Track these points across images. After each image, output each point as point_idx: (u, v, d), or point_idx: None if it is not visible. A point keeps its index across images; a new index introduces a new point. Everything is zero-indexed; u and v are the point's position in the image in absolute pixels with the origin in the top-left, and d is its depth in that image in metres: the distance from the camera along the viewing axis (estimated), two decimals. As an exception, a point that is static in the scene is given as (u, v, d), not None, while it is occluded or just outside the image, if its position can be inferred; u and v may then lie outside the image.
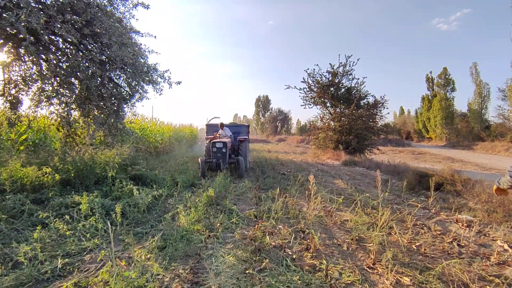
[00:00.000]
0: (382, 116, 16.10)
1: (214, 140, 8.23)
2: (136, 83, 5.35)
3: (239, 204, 5.22)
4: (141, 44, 6.08)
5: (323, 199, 5.55)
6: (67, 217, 3.56)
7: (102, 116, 5.60)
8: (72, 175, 5.52)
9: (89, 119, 5.55)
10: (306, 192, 5.91)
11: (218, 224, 3.92)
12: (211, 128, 10.53)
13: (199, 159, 7.97)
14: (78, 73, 4.45)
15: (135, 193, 4.83)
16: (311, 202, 3.94)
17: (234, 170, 9.15)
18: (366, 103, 16.13)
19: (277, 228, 3.78)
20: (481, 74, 37.44)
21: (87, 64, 4.51)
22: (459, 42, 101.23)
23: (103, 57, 4.80)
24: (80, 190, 5.39)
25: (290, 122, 58.57)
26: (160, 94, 6.57)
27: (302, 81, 16.83)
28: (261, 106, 59.16)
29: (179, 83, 6.56)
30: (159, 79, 6.29)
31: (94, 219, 3.56)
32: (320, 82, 16.37)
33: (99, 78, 4.75)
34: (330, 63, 16.28)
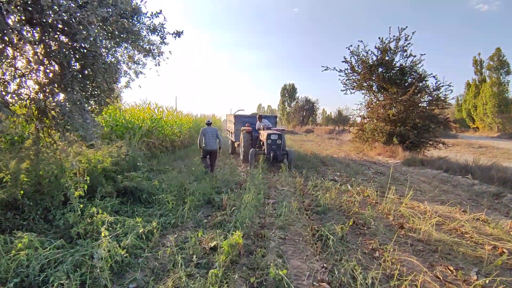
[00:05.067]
0: (447, 102, 12.73)
1: (269, 132, 7.83)
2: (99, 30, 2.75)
3: (288, 255, 2.89)
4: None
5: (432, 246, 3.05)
6: None
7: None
8: (22, 192, 3.50)
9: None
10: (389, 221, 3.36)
11: None
12: (240, 119, 10.15)
13: (250, 152, 7.88)
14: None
15: (102, 234, 2.67)
16: None
17: (268, 172, 6.89)
18: (425, 85, 12.84)
19: None
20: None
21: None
22: (503, 23, 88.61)
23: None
24: (31, 216, 3.41)
25: (317, 111, 54.63)
26: (156, 64, 4.13)
27: (343, 61, 13.82)
28: (286, 95, 55.68)
29: (178, 35, 3.91)
30: (144, 33, 3.69)
31: None
32: (366, 61, 13.30)
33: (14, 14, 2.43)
34: (379, 37, 13.12)
